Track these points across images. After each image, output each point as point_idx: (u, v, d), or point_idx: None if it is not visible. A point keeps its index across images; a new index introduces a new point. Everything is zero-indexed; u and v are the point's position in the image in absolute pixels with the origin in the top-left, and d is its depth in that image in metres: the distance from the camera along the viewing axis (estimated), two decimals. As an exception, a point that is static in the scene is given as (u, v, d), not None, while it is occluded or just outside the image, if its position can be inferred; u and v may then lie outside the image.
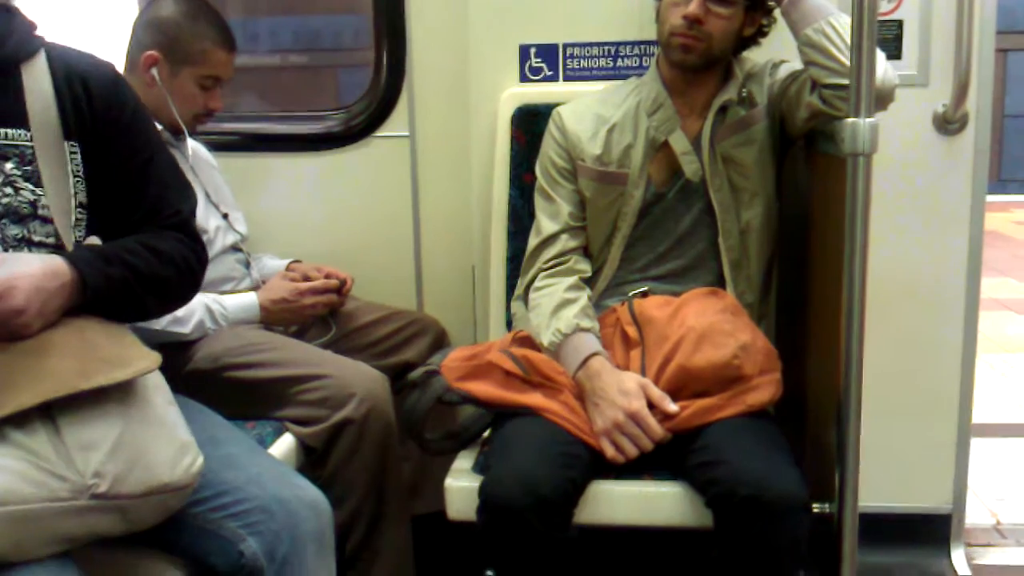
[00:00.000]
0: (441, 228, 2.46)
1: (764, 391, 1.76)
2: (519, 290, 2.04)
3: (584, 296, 1.92)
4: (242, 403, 1.96)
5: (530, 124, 2.17)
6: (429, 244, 2.48)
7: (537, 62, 2.26)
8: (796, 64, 1.90)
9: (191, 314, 2.03)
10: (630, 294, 1.95)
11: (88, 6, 3.06)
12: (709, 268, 1.97)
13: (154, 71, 2.09)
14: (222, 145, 2.42)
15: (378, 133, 2.45)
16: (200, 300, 2.03)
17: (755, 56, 1.99)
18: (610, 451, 1.72)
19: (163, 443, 1.35)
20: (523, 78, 2.26)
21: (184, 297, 1.66)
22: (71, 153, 1.48)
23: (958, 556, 2.24)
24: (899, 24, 2.10)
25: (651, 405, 1.72)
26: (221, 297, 2.13)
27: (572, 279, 1.94)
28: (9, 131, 1.44)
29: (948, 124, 2.11)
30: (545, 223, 1.99)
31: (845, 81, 1.62)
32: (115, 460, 1.29)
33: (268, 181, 2.51)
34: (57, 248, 1.46)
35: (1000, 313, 5.45)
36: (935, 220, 2.15)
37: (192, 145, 2.23)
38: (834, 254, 1.65)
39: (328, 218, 2.51)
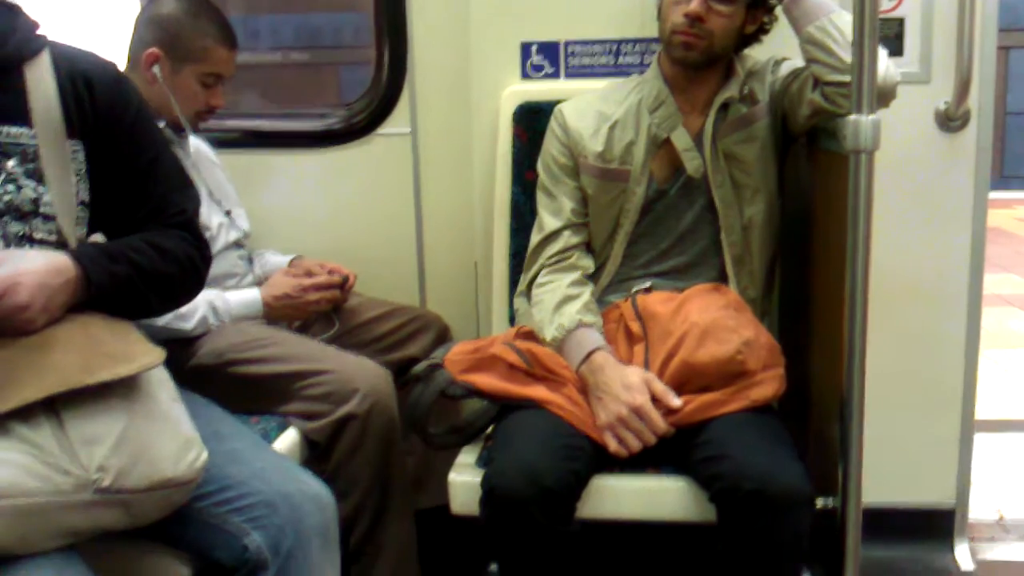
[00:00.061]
0: (443, 224, 2.46)
1: (767, 386, 1.77)
2: (522, 286, 2.04)
3: (587, 292, 1.92)
4: (246, 398, 1.96)
5: (532, 121, 2.17)
6: (431, 240, 2.48)
7: (539, 59, 2.27)
8: (798, 61, 1.90)
9: (194, 310, 2.03)
10: (633, 290, 1.95)
11: (90, 4, 3.06)
12: (712, 264, 1.97)
13: (156, 68, 2.09)
14: (224, 142, 2.43)
15: (380, 130, 2.45)
16: (203, 296, 2.03)
17: (757, 53, 1.99)
18: (613, 445, 1.72)
19: (167, 438, 1.35)
20: (525, 75, 2.27)
21: (188, 295, 1.67)
22: (74, 152, 1.48)
23: (961, 551, 2.25)
24: (901, 21, 2.10)
25: (654, 399, 1.72)
26: (224, 293, 2.14)
27: (575, 275, 1.94)
28: (12, 129, 1.44)
29: (950, 121, 2.11)
30: (547, 220, 1.99)
31: (847, 78, 1.62)
32: (119, 455, 1.29)
33: (270, 178, 2.51)
34: (59, 245, 1.46)
35: (1003, 309, 5.45)
36: (937, 217, 2.15)
37: (194, 142, 2.24)
38: (836, 250, 1.65)
39: (331, 214, 2.51)
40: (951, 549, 2.25)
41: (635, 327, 1.85)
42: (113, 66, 1.57)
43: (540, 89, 2.23)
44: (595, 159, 1.95)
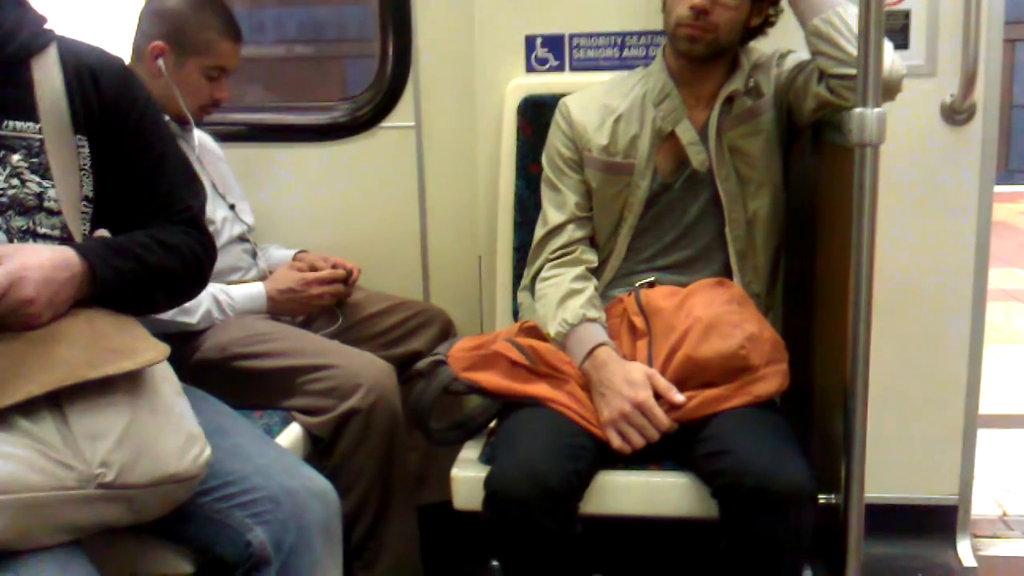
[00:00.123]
0: (447, 218, 2.46)
1: (771, 382, 1.76)
2: (526, 280, 2.04)
3: (591, 286, 1.92)
4: (249, 393, 1.96)
5: (536, 115, 2.17)
6: (435, 234, 2.48)
7: (543, 52, 2.26)
8: (803, 54, 1.90)
9: (198, 304, 2.03)
10: (637, 284, 1.95)
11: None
12: (716, 258, 1.96)
13: (160, 62, 2.09)
14: (228, 135, 2.42)
15: (384, 123, 2.45)
16: (207, 290, 2.03)
17: (762, 46, 1.98)
18: (616, 441, 1.72)
19: (171, 434, 1.36)
20: (529, 68, 2.26)
21: (192, 292, 1.67)
22: (79, 147, 1.48)
23: (964, 547, 2.24)
24: (907, 14, 2.09)
25: (657, 395, 1.72)
26: (228, 287, 2.14)
27: (579, 269, 1.94)
28: (18, 123, 1.45)
29: (956, 114, 2.10)
30: (551, 213, 1.99)
31: (852, 71, 1.61)
32: (122, 450, 1.29)
33: (274, 171, 2.51)
34: (63, 241, 1.46)
35: (1008, 304, 5.44)
36: (942, 210, 2.14)
37: (198, 136, 2.24)
38: (841, 244, 1.64)
39: (334, 208, 2.51)
40: (954, 545, 2.24)
41: (638, 322, 1.85)
42: (120, 61, 1.57)
43: (544, 82, 2.22)
44: (599, 152, 1.94)
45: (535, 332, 1.92)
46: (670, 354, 1.77)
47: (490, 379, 1.81)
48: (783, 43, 1.98)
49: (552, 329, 1.86)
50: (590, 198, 1.98)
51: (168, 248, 1.52)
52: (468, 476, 1.76)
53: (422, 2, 2.36)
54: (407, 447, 2.06)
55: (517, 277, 2.14)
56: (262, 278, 2.24)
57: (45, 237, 1.45)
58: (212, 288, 2.07)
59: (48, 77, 1.47)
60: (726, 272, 1.95)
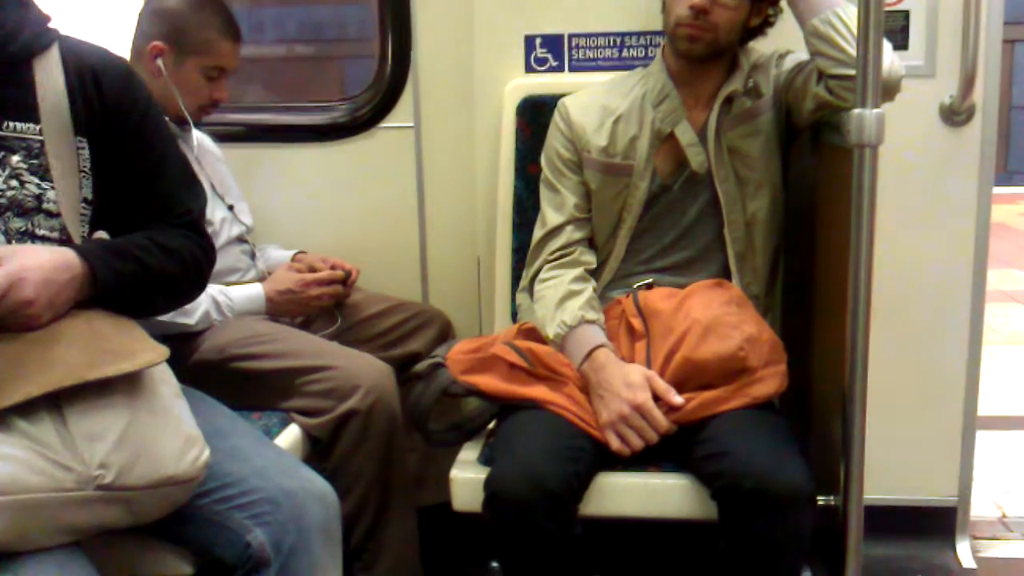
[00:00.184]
0: (446, 219, 2.46)
1: (769, 383, 1.76)
2: (524, 281, 2.04)
3: (589, 288, 1.92)
4: (248, 394, 1.96)
5: (535, 115, 2.17)
6: (434, 235, 2.48)
7: (542, 52, 2.26)
8: (802, 55, 1.90)
9: (197, 305, 2.03)
10: (635, 286, 1.95)
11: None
12: (714, 260, 1.96)
13: (159, 62, 2.09)
14: (227, 136, 2.42)
15: (383, 124, 2.45)
16: (206, 291, 2.03)
17: (761, 47, 1.98)
18: (615, 443, 1.72)
19: (169, 435, 1.35)
20: (528, 69, 2.26)
21: (191, 295, 1.67)
22: (79, 148, 1.48)
23: (963, 549, 2.24)
24: (906, 14, 2.09)
25: (656, 397, 1.72)
26: (227, 288, 2.14)
27: (577, 271, 1.94)
28: (18, 124, 1.44)
29: (955, 115, 2.10)
30: (550, 214, 1.99)
31: (851, 72, 1.61)
32: (121, 451, 1.29)
33: (273, 172, 2.51)
34: (61, 242, 1.46)
35: (1006, 305, 5.44)
36: (941, 211, 2.14)
37: (197, 136, 2.23)
38: (840, 245, 1.64)
39: (333, 209, 2.51)
40: (953, 547, 2.24)
41: (637, 323, 1.85)
42: (123, 62, 1.57)
43: (544, 83, 2.22)
44: (599, 153, 1.94)
45: (534, 334, 1.92)
46: (668, 356, 1.76)
47: (489, 382, 1.81)
48: (782, 43, 1.98)
49: (551, 331, 1.86)
50: (589, 199, 1.98)
51: (168, 252, 1.52)
52: (467, 477, 1.75)
53: (421, 2, 2.36)
54: (406, 448, 2.06)
55: (516, 278, 2.14)
56: (261, 279, 2.24)
57: (44, 239, 1.45)
58: (211, 289, 2.06)
59: (50, 78, 1.46)
60: (725, 273, 1.95)
